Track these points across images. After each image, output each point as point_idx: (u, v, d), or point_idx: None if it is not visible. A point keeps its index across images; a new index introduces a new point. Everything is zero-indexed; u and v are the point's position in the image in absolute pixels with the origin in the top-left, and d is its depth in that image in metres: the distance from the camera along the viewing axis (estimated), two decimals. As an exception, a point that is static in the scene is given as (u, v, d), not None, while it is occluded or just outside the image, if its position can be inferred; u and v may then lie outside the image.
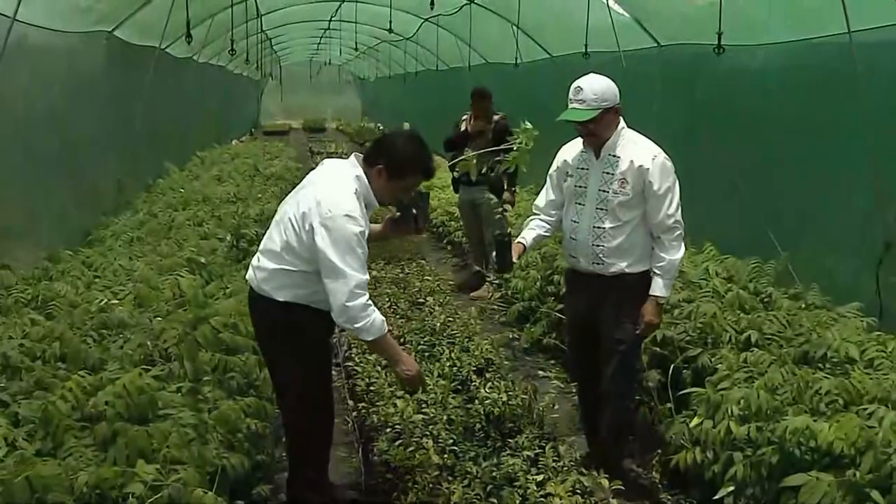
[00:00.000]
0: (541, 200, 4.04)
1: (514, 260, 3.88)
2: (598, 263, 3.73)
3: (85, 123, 7.71)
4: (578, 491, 3.44)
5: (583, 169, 3.77)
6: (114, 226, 7.23)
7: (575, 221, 3.80)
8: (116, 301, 4.42)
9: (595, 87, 3.57)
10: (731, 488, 3.14)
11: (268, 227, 3.42)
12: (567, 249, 3.92)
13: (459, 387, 4.38)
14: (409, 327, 5.23)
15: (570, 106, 3.61)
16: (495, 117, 7.35)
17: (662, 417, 4.07)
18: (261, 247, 3.35)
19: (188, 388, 3.38)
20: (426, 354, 4.80)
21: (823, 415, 3.15)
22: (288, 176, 12.15)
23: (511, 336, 6.11)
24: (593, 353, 3.86)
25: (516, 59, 11.00)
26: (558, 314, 5.63)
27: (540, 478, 3.46)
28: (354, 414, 4.56)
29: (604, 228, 3.68)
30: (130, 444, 2.79)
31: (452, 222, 9.25)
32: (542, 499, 3.32)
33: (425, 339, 5.04)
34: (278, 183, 10.92)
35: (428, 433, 3.81)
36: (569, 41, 9.20)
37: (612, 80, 3.63)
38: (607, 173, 3.67)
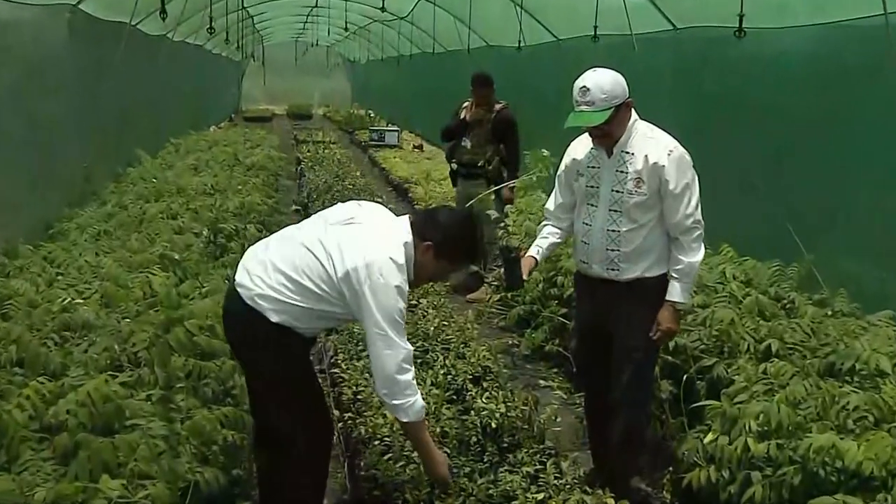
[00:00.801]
0: (551, 204, 3.99)
1: (525, 277, 3.83)
2: (612, 269, 3.68)
3: (46, 106, 7.63)
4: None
5: (594, 167, 3.72)
6: (79, 218, 7.18)
7: (587, 224, 3.75)
8: (81, 300, 4.38)
9: (603, 84, 3.49)
10: (749, 510, 3.12)
11: (269, 235, 3.41)
12: (578, 254, 3.87)
13: (454, 397, 4.36)
14: (401, 332, 5.20)
15: (577, 108, 3.53)
16: (497, 106, 7.33)
17: (674, 432, 4.05)
18: (269, 257, 3.24)
19: (159, 396, 3.36)
20: (418, 361, 4.78)
21: (851, 432, 3.13)
22: (271, 166, 12.13)
23: (510, 342, 6.10)
24: (603, 361, 3.82)
25: (519, 41, 10.98)
26: (561, 319, 5.61)
27: (540, 496, 3.45)
28: (340, 425, 4.53)
29: (618, 231, 3.63)
30: (94, 458, 2.76)
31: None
32: (542, 519, 3.31)
33: (418, 344, 5.01)
34: (260, 174, 10.89)
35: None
36: (576, 23, 9.20)
37: (619, 72, 3.56)
38: (620, 172, 3.61)
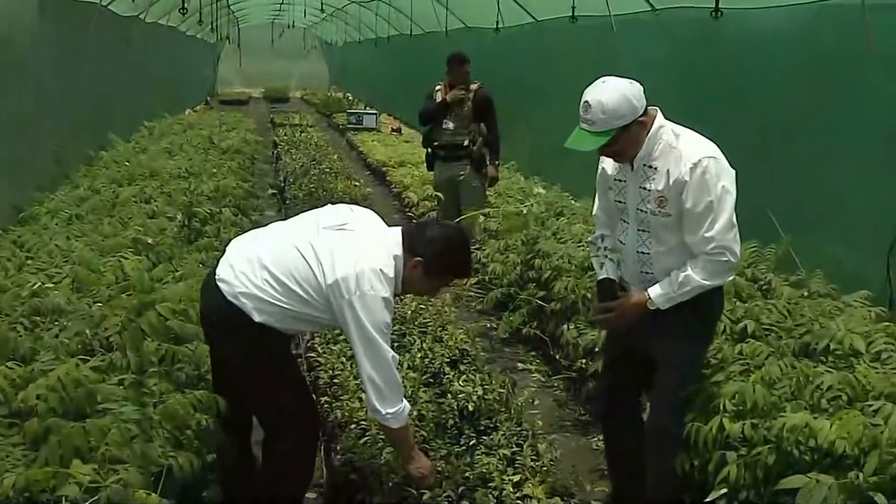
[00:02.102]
0: (596, 208, 3.65)
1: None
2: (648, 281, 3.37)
3: (14, 88, 7.54)
4: (558, 492, 3.46)
5: (620, 181, 3.37)
6: (50, 202, 7.11)
7: (622, 242, 3.44)
8: (51, 285, 4.34)
9: (606, 102, 3.09)
10: (724, 491, 3.14)
11: (256, 228, 3.43)
12: (621, 269, 3.54)
13: (431, 380, 4.38)
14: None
15: (579, 126, 3.19)
16: (473, 86, 7.32)
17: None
18: (257, 255, 3.22)
19: (131, 380, 3.33)
20: (395, 345, 4.79)
21: (825, 412, 3.16)
22: (246, 149, 12.06)
23: (488, 325, 6.12)
24: (628, 393, 3.64)
25: (497, 23, 10.95)
26: (539, 302, 5.63)
27: (517, 478, 3.48)
28: (316, 409, 4.54)
29: (648, 254, 3.32)
30: (65, 443, 2.74)
31: (426, 202, 9.22)
32: (518, 500, 3.34)
33: (395, 328, 5.02)
34: (235, 157, 10.82)
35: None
36: (555, 3, 9.16)
37: (633, 81, 3.20)
38: (644, 189, 3.25)
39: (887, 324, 3.96)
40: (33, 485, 2.56)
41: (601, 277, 3.51)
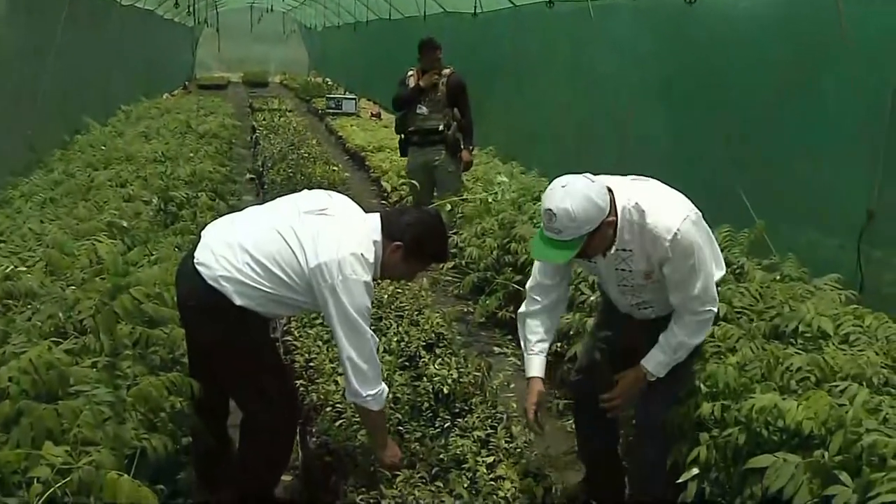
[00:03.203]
0: (532, 282, 3.50)
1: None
2: (643, 310, 3.39)
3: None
4: (531, 473, 3.50)
5: (588, 261, 3.30)
6: (24, 186, 7.06)
7: (602, 289, 3.50)
8: (24, 268, 4.31)
9: (572, 210, 2.88)
10: (695, 471, 3.18)
11: (236, 211, 3.46)
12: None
13: (407, 363, 4.40)
14: (353, 300, 5.21)
15: (544, 234, 3.00)
16: (446, 71, 7.35)
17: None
18: (237, 239, 3.22)
19: (104, 363, 3.32)
20: (372, 328, 4.78)
21: (795, 393, 3.21)
22: (224, 134, 11.99)
23: (465, 310, 6.14)
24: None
25: (475, 7, 10.93)
26: (515, 286, 5.65)
27: (490, 459, 3.51)
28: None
29: (636, 304, 3.36)
30: (36, 425, 2.73)
31: (404, 188, 9.21)
32: (492, 482, 3.36)
33: (371, 312, 5.02)
34: (212, 141, 10.75)
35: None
36: (534, -11, 9.18)
37: (593, 179, 3.01)
38: (623, 270, 3.22)
39: (855, 307, 4.01)
40: (4, 466, 2.55)
41: (533, 376, 3.40)
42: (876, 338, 3.69)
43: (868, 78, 4.88)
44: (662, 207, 3.07)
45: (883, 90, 4.67)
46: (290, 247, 3.16)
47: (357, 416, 3.65)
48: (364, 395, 3.19)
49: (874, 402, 3.00)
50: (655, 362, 3.27)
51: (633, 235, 3.09)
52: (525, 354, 3.48)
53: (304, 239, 3.15)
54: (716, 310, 3.24)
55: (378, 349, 4.31)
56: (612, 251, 3.14)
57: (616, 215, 3.05)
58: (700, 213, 3.15)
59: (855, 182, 4.98)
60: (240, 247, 3.19)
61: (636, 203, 3.06)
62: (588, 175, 3.03)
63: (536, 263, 3.47)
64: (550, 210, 2.90)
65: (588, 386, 3.58)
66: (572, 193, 2.90)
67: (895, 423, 2.88)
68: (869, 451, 2.67)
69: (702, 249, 3.08)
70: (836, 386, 3.14)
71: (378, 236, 3.26)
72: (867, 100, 4.89)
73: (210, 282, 3.16)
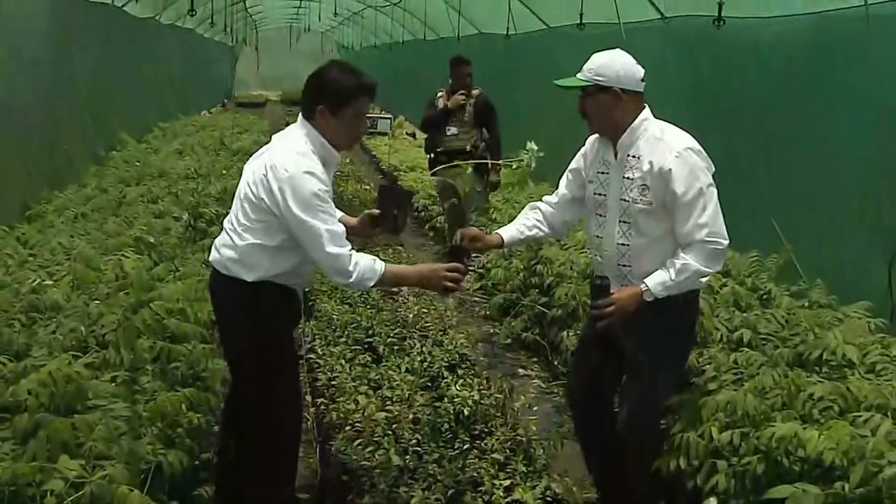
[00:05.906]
0: (553, 195, 3.72)
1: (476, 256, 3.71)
2: (626, 285, 3.36)
3: (24, 86, 7.61)
4: (549, 498, 3.46)
5: (602, 173, 3.43)
6: (57, 200, 7.18)
7: (598, 237, 3.45)
8: (51, 282, 4.38)
9: (599, 58, 3.33)
10: (713, 501, 3.14)
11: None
12: (595, 268, 3.58)
13: (429, 383, 4.39)
14: (380, 318, 5.23)
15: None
16: (475, 91, 7.38)
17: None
18: (225, 224, 3.36)
19: (124, 377, 3.36)
20: (395, 348, 4.80)
21: (816, 422, 3.15)
22: (256, 151, 12.07)
23: (491, 331, 6.12)
24: (600, 383, 3.61)
25: (508, 29, 10.96)
26: (541, 308, 5.63)
27: (507, 483, 3.47)
28: (313, 410, 4.56)
29: (629, 245, 3.32)
30: (53, 437, 2.76)
31: (435, 206, 9.23)
32: (506, 505, 3.33)
33: (395, 331, 5.04)
34: (245, 158, 10.81)
35: (390, 432, 3.81)
36: (567, 10, 9.19)
37: (637, 64, 3.36)
38: (627, 178, 3.31)
39: (883, 336, 3.93)
40: (19, 478, 2.58)
41: (497, 231, 3.69)
42: (903, 367, 3.61)
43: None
44: (681, 135, 3.31)
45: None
46: (249, 194, 3.21)
47: (375, 434, 3.63)
48: (345, 281, 3.19)
49: (897, 433, 2.93)
50: (657, 280, 3.24)
51: (645, 144, 3.29)
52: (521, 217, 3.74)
53: (249, 177, 3.23)
54: (726, 243, 3.23)
55: (398, 368, 4.37)
56: (623, 155, 3.33)
57: (630, 107, 3.31)
58: (713, 169, 3.30)
59: (885, 206, 4.90)
60: (227, 227, 3.32)
61: (661, 124, 3.34)
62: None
63: (561, 181, 3.70)
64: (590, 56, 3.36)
65: (580, 379, 3.70)
66: (611, 52, 3.38)
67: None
68: (889, 484, 2.61)
69: (710, 180, 3.23)
70: (860, 416, 3.08)
71: (307, 128, 3.25)
72: None
73: (223, 271, 3.25)
